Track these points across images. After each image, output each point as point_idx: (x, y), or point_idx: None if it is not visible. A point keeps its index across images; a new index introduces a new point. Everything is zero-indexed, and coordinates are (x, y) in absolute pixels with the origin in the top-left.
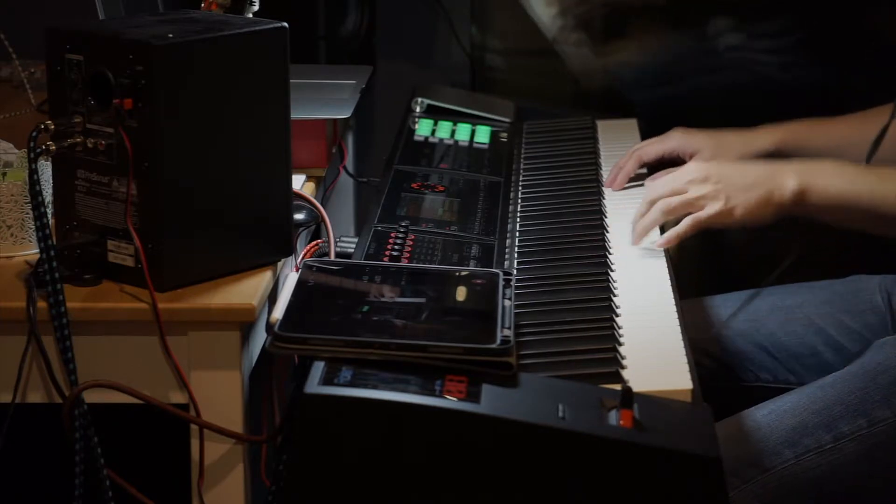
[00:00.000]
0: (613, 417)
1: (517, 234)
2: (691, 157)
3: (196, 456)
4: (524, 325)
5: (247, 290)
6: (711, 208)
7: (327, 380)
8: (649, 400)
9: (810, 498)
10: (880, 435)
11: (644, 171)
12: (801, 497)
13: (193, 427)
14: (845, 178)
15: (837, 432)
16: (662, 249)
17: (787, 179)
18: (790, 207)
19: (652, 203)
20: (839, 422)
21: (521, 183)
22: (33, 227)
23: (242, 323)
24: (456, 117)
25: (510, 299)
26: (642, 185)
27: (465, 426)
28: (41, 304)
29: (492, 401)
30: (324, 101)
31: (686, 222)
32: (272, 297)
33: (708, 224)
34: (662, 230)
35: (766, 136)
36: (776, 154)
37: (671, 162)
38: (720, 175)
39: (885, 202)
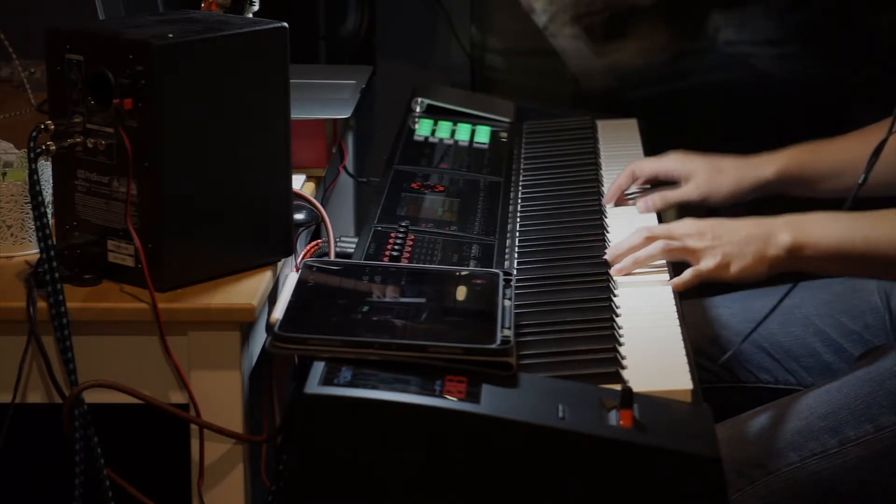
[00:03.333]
0: (613, 417)
1: (517, 234)
2: (686, 179)
3: (196, 456)
4: (524, 325)
5: (247, 290)
6: (708, 263)
7: (327, 380)
8: (649, 400)
9: (814, 501)
10: (886, 440)
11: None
12: (805, 500)
13: (193, 427)
14: (838, 226)
15: (843, 437)
16: (666, 263)
17: (781, 235)
18: (785, 262)
19: (651, 239)
20: (845, 426)
21: (521, 183)
22: (33, 227)
23: (242, 323)
24: (456, 117)
25: (510, 299)
26: (639, 190)
27: (465, 426)
28: (41, 304)
29: (492, 401)
30: (324, 101)
31: (690, 273)
32: (272, 297)
33: (708, 277)
34: None
35: (768, 164)
36: (778, 181)
37: (665, 182)
38: (714, 232)
39: (881, 246)
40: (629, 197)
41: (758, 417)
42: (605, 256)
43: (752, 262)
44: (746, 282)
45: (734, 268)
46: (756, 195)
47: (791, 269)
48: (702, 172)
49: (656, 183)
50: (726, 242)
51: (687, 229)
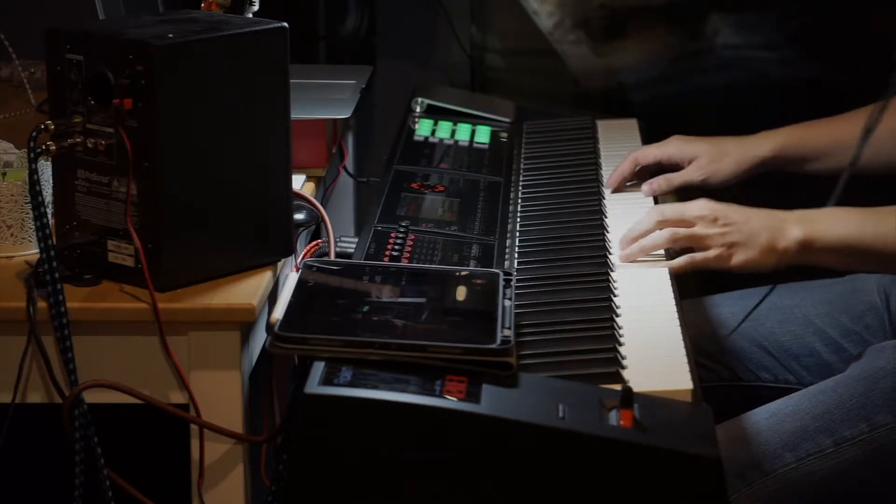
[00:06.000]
0: (613, 417)
1: (517, 234)
2: (689, 162)
3: (196, 456)
4: (524, 325)
5: (247, 290)
6: (713, 251)
7: (327, 380)
8: (649, 400)
9: (811, 501)
10: (881, 439)
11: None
12: (802, 500)
13: (193, 427)
14: (848, 222)
15: (838, 436)
16: (663, 249)
17: (792, 229)
18: (795, 256)
19: (661, 224)
20: (840, 426)
21: (521, 183)
22: (33, 227)
23: (242, 323)
24: (456, 117)
25: (510, 299)
26: (641, 187)
27: (465, 426)
28: (41, 304)
29: (492, 401)
30: (324, 101)
31: (683, 260)
32: (272, 297)
33: (704, 266)
34: None
35: (765, 142)
36: (775, 158)
37: (668, 167)
38: (728, 219)
39: (890, 241)
40: (630, 184)
41: (753, 419)
42: (619, 239)
43: (760, 253)
44: (750, 272)
45: (738, 258)
46: (755, 172)
47: (801, 264)
48: (704, 155)
49: (659, 169)
50: (736, 231)
51: (699, 211)
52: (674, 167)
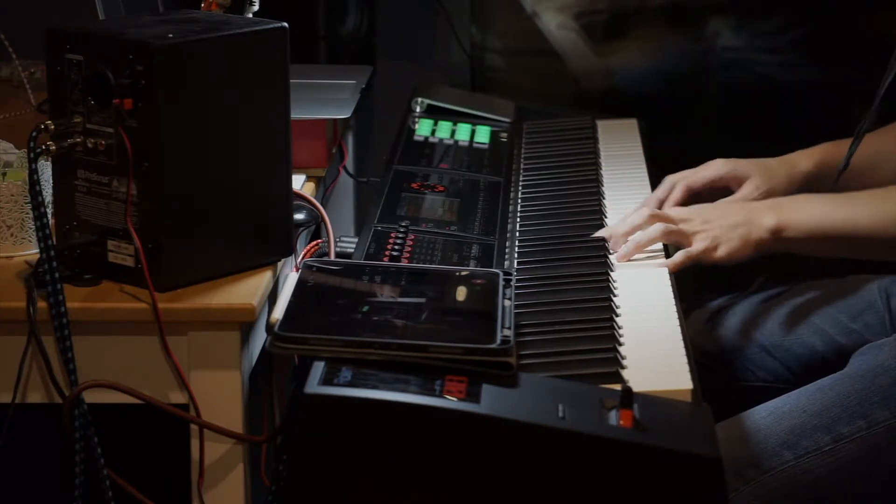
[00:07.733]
0: (613, 417)
1: (517, 234)
2: (740, 182)
3: (196, 456)
4: (524, 325)
5: (247, 290)
6: (699, 245)
7: (327, 380)
8: (649, 400)
9: (810, 499)
10: (879, 436)
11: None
12: (800, 498)
13: (193, 427)
14: (818, 207)
15: (836, 434)
16: (662, 248)
17: (764, 218)
18: (770, 244)
19: (653, 219)
20: (838, 423)
21: (521, 183)
22: (33, 227)
23: (242, 323)
24: (456, 117)
25: (510, 299)
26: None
27: (465, 426)
28: (41, 304)
29: (492, 401)
30: (324, 101)
31: (680, 255)
32: (272, 297)
33: (698, 259)
34: None
35: (806, 158)
36: (817, 173)
37: (718, 191)
38: (704, 217)
39: (858, 225)
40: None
41: (752, 417)
42: (602, 233)
43: (739, 245)
44: (735, 263)
45: (722, 251)
46: (799, 190)
47: (777, 251)
48: (756, 174)
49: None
50: (716, 226)
51: (678, 214)
52: (723, 190)
